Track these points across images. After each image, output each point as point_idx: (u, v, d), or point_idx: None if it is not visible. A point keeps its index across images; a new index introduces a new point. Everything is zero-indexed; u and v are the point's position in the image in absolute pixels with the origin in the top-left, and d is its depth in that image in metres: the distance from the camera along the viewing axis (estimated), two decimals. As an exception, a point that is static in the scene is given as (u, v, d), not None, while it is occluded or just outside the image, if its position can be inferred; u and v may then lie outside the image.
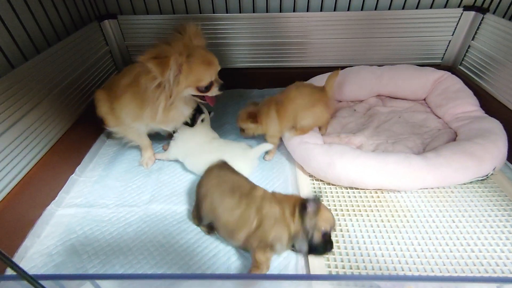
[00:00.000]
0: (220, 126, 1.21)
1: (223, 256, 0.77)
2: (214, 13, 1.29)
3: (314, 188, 0.94)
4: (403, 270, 0.71)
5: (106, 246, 0.80)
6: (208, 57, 0.84)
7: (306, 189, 0.93)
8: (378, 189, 0.91)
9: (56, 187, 0.93)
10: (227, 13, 1.29)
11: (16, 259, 0.75)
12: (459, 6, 1.25)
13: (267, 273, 0.69)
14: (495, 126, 0.97)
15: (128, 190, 0.96)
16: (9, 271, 0.70)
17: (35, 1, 0.96)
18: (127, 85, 0.87)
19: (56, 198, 0.91)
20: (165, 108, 0.83)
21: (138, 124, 0.93)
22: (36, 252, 0.78)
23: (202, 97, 0.90)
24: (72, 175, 0.99)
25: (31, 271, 0.73)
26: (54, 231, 0.84)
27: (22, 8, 0.91)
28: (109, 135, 1.21)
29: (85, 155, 1.07)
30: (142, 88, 0.80)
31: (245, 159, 0.93)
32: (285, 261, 0.75)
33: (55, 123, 0.96)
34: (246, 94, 1.44)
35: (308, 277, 0.57)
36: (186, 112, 0.92)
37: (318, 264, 0.72)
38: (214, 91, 0.88)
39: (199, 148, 0.97)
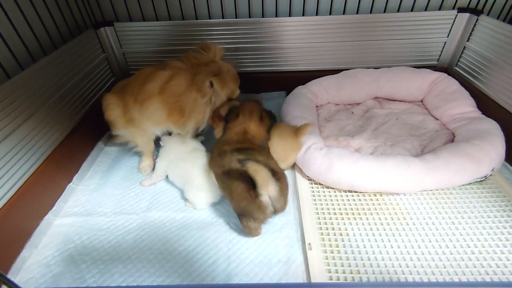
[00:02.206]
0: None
1: (223, 263, 0.76)
2: (210, 18, 1.30)
3: (313, 191, 0.94)
4: (403, 274, 0.71)
5: (104, 255, 0.79)
6: (236, 74, 0.98)
7: (305, 193, 0.93)
8: (378, 192, 0.91)
9: (53, 196, 0.92)
10: (223, 18, 1.30)
11: (13, 270, 0.75)
12: (453, 8, 1.26)
13: (268, 282, 0.68)
14: (493, 127, 0.98)
15: (126, 197, 0.96)
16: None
17: (31, 9, 0.96)
18: (155, 91, 0.88)
19: (54, 208, 0.90)
20: (199, 112, 0.91)
21: (157, 129, 0.96)
22: (34, 262, 0.78)
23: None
24: (70, 183, 0.98)
25: (29, 283, 0.73)
26: (52, 241, 0.83)
27: (17, 17, 0.91)
28: (107, 142, 1.21)
29: (83, 163, 1.06)
30: (190, 100, 0.87)
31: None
32: (285, 266, 0.75)
33: (52, 131, 0.95)
34: (244, 98, 1.43)
35: (309, 285, 0.57)
36: (207, 119, 0.97)
37: (318, 268, 0.72)
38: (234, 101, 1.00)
39: (178, 158, 0.95)
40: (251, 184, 0.70)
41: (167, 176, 1.00)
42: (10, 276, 0.75)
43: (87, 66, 1.19)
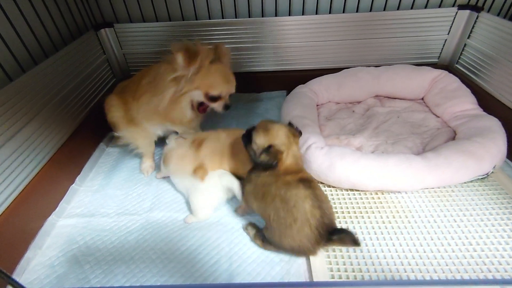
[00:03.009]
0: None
1: (225, 262, 0.77)
2: (210, 19, 1.30)
3: (315, 191, 0.94)
4: (405, 272, 0.71)
5: (108, 256, 0.79)
6: (228, 74, 0.92)
7: (306, 192, 0.93)
8: (379, 191, 0.91)
9: (56, 197, 0.93)
10: (222, 18, 1.30)
11: (18, 271, 0.75)
12: (453, 5, 1.26)
13: (270, 281, 0.69)
14: (494, 124, 0.97)
15: (128, 198, 0.96)
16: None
17: (32, 12, 0.97)
18: (146, 85, 0.89)
19: (57, 209, 0.91)
20: (171, 100, 0.86)
21: (151, 125, 0.95)
22: (38, 263, 0.78)
23: (198, 105, 0.92)
24: (72, 185, 0.99)
25: (33, 283, 0.73)
26: (56, 242, 0.84)
27: (18, 19, 0.92)
28: (109, 143, 1.21)
29: (85, 165, 1.07)
30: (158, 77, 0.83)
31: (216, 181, 0.88)
32: (287, 265, 0.75)
33: (54, 133, 0.96)
34: (244, 97, 1.44)
35: (311, 284, 0.57)
36: (189, 113, 0.94)
37: (320, 267, 0.72)
38: (219, 105, 0.92)
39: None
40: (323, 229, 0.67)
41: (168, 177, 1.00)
42: (15, 277, 0.75)
43: (88, 67, 1.19)
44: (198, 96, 0.89)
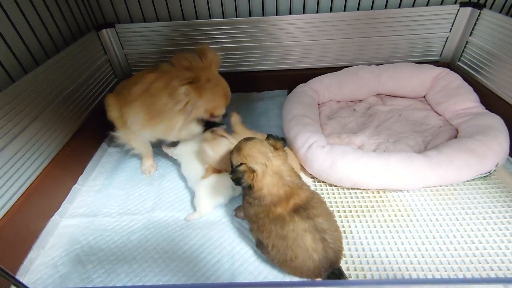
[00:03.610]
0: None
1: (227, 262, 0.77)
2: (210, 18, 1.30)
3: (316, 189, 0.94)
4: (407, 270, 0.71)
5: (110, 255, 0.80)
6: (226, 90, 0.91)
7: (308, 191, 0.93)
8: (381, 189, 0.91)
9: (59, 197, 0.93)
10: (223, 18, 1.30)
11: (21, 271, 0.76)
12: (455, 3, 1.25)
13: (272, 281, 0.69)
14: (496, 122, 0.97)
15: (130, 198, 0.97)
16: None
17: (33, 13, 0.97)
18: (139, 93, 0.87)
19: (60, 209, 0.91)
20: (182, 128, 0.88)
21: (144, 133, 0.94)
22: (41, 263, 0.79)
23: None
24: (75, 185, 0.99)
25: (37, 283, 0.74)
26: (59, 242, 0.84)
27: (20, 21, 0.92)
28: (111, 143, 1.22)
29: (87, 165, 1.08)
30: (160, 104, 0.82)
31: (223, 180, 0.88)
32: (289, 265, 0.75)
33: (57, 133, 0.96)
34: (245, 97, 1.44)
35: (313, 283, 0.57)
36: (196, 129, 0.95)
37: (322, 267, 0.72)
38: (219, 119, 0.95)
39: (193, 155, 0.96)
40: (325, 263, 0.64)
41: (170, 176, 1.01)
42: (18, 277, 0.76)
43: (90, 68, 1.20)
44: (204, 115, 0.92)
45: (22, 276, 0.76)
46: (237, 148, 0.70)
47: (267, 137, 0.73)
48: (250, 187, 0.66)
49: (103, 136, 1.21)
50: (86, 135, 1.10)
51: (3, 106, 0.78)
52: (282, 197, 0.66)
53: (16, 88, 0.83)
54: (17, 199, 0.80)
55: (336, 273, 0.66)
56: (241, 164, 0.66)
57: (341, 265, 0.72)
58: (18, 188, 0.80)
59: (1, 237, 0.73)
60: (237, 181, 0.65)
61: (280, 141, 0.71)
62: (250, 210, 0.69)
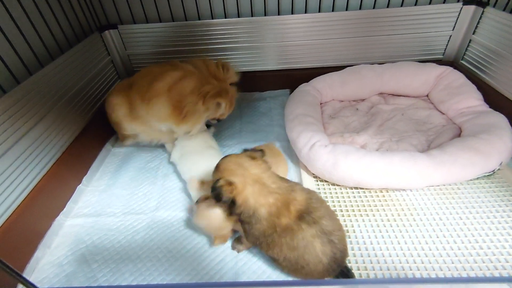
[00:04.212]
0: (221, 131, 1.22)
1: (231, 261, 0.77)
2: (212, 18, 1.30)
3: (319, 189, 0.94)
4: (411, 270, 0.71)
5: (115, 255, 0.81)
6: (234, 98, 1.01)
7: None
8: (384, 189, 0.91)
9: (64, 197, 0.94)
10: (225, 18, 1.30)
11: (28, 270, 0.77)
12: (458, 1, 1.25)
13: (276, 280, 0.69)
14: (500, 121, 0.96)
15: (134, 198, 0.98)
16: (21, 286, 0.71)
17: (38, 15, 0.98)
18: (163, 90, 0.92)
19: (65, 209, 0.92)
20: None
21: (163, 125, 0.99)
22: (47, 263, 0.80)
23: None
24: (80, 185, 1.00)
25: (43, 282, 0.75)
26: (64, 241, 0.85)
27: (25, 23, 0.93)
28: (114, 143, 1.23)
29: (91, 165, 1.08)
30: (192, 107, 0.90)
31: None
32: (292, 264, 0.75)
33: (61, 134, 0.97)
34: (247, 97, 1.44)
35: (317, 282, 0.58)
36: (203, 127, 1.06)
37: (325, 266, 0.72)
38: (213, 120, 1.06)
39: (189, 156, 0.98)
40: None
41: (174, 176, 1.01)
42: (25, 275, 0.77)
43: (93, 69, 1.21)
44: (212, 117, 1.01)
45: (28, 275, 0.77)
46: (215, 166, 0.71)
47: (244, 150, 0.73)
48: (233, 203, 0.66)
49: (107, 137, 1.22)
50: (90, 135, 1.11)
51: (8, 108, 0.79)
52: (278, 205, 0.65)
53: (21, 90, 0.84)
54: (23, 199, 0.81)
55: (344, 272, 0.66)
56: (218, 179, 0.66)
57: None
58: (24, 188, 0.81)
59: (8, 237, 0.74)
60: (217, 197, 0.65)
61: (257, 152, 0.72)
62: (254, 231, 0.67)
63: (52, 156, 0.92)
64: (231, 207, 0.67)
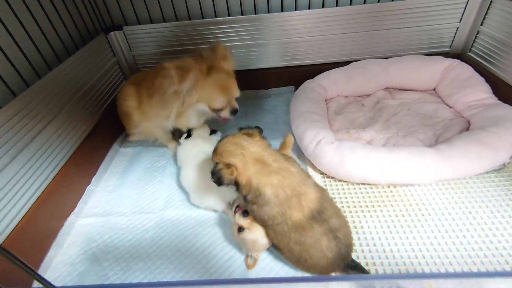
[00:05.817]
0: (226, 131, 1.22)
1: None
2: (216, 17, 1.30)
3: (326, 185, 0.94)
4: (420, 265, 0.71)
5: (125, 253, 0.82)
6: (226, 83, 0.90)
7: (317, 187, 0.93)
8: (391, 184, 0.91)
9: (74, 198, 0.96)
10: (229, 16, 1.30)
11: (42, 269, 0.79)
12: (465, -8, 1.22)
13: (284, 276, 0.70)
14: (510, 113, 0.95)
15: (143, 197, 0.99)
16: (36, 284, 0.73)
17: (45, 19, 0.99)
18: (157, 87, 0.94)
19: (76, 209, 0.94)
20: (176, 113, 0.93)
21: (159, 121, 1.00)
22: (60, 261, 0.82)
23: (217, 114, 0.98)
24: (89, 185, 1.02)
25: (56, 281, 0.77)
26: (76, 240, 0.87)
27: (33, 27, 0.94)
28: (122, 144, 1.24)
29: (100, 165, 1.10)
30: (162, 87, 0.89)
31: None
32: (300, 260, 0.75)
33: (70, 136, 0.99)
34: (252, 94, 1.45)
35: (325, 278, 0.58)
36: (195, 120, 0.99)
37: (333, 262, 0.73)
38: (225, 113, 0.94)
39: (186, 160, 0.98)
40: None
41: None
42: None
43: (99, 70, 1.22)
44: (203, 108, 0.93)
45: (43, 273, 0.79)
46: (213, 150, 0.69)
47: (239, 129, 0.70)
48: (238, 185, 0.64)
49: (114, 137, 1.24)
50: (98, 136, 1.13)
51: (19, 111, 0.81)
52: (287, 192, 0.63)
53: (30, 93, 0.86)
54: (36, 200, 0.83)
55: (352, 265, 0.67)
56: (216, 164, 0.64)
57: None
58: (36, 189, 0.83)
59: (22, 236, 0.76)
60: (218, 181, 0.64)
61: (254, 129, 0.70)
62: (262, 212, 0.66)
63: (62, 158, 0.94)
64: (237, 189, 0.66)
